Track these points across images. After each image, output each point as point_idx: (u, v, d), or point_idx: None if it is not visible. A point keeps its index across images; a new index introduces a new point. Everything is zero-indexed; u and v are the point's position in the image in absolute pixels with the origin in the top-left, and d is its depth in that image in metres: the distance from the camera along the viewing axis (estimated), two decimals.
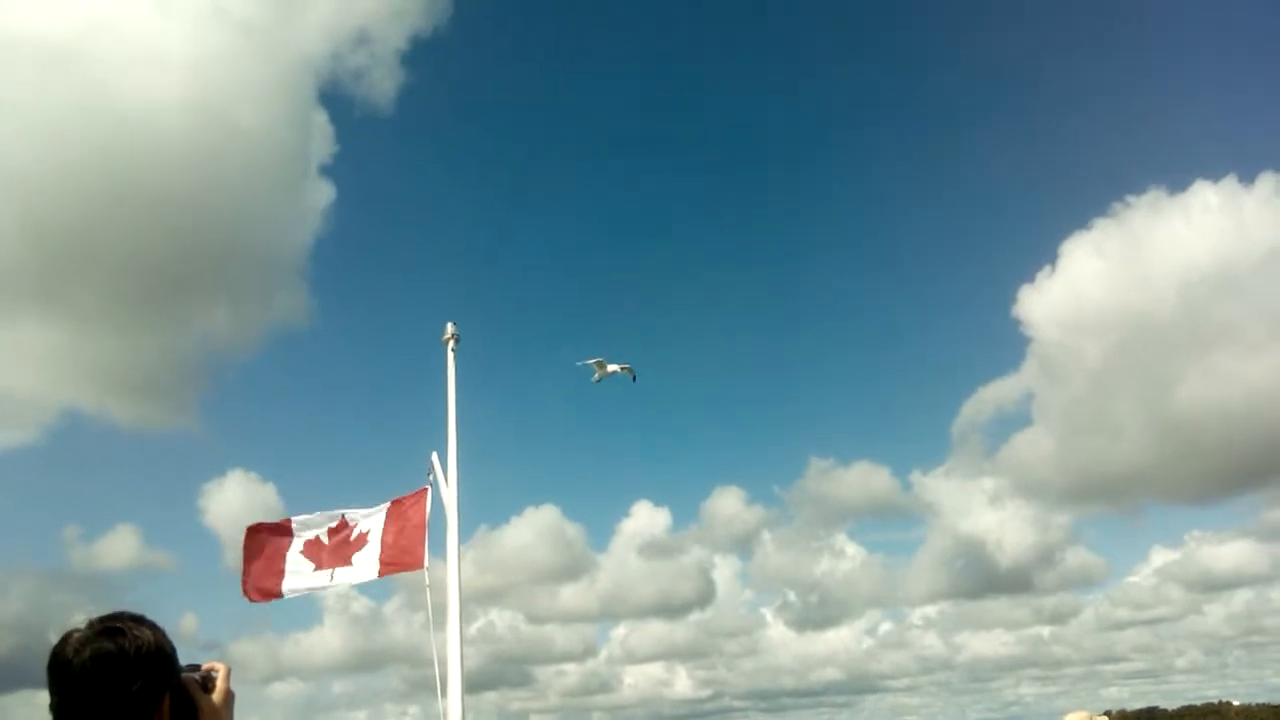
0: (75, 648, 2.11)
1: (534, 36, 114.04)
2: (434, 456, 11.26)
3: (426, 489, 11.29)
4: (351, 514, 11.39)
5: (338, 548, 11.18)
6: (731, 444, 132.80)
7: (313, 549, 11.16)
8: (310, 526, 11.24)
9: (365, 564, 11.09)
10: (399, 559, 11.05)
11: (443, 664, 10.08)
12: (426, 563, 11.01)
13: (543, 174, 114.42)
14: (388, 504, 11.41)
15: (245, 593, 10.88)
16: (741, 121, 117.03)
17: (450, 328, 11.94)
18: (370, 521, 11.27)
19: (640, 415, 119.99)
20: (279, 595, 10.87)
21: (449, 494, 10.95)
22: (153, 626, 2.22)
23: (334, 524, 11.30)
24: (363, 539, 11.17)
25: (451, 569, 10.61)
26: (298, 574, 10.95)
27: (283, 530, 11.16)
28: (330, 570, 11.16)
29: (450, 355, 11.85)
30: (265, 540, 11.06)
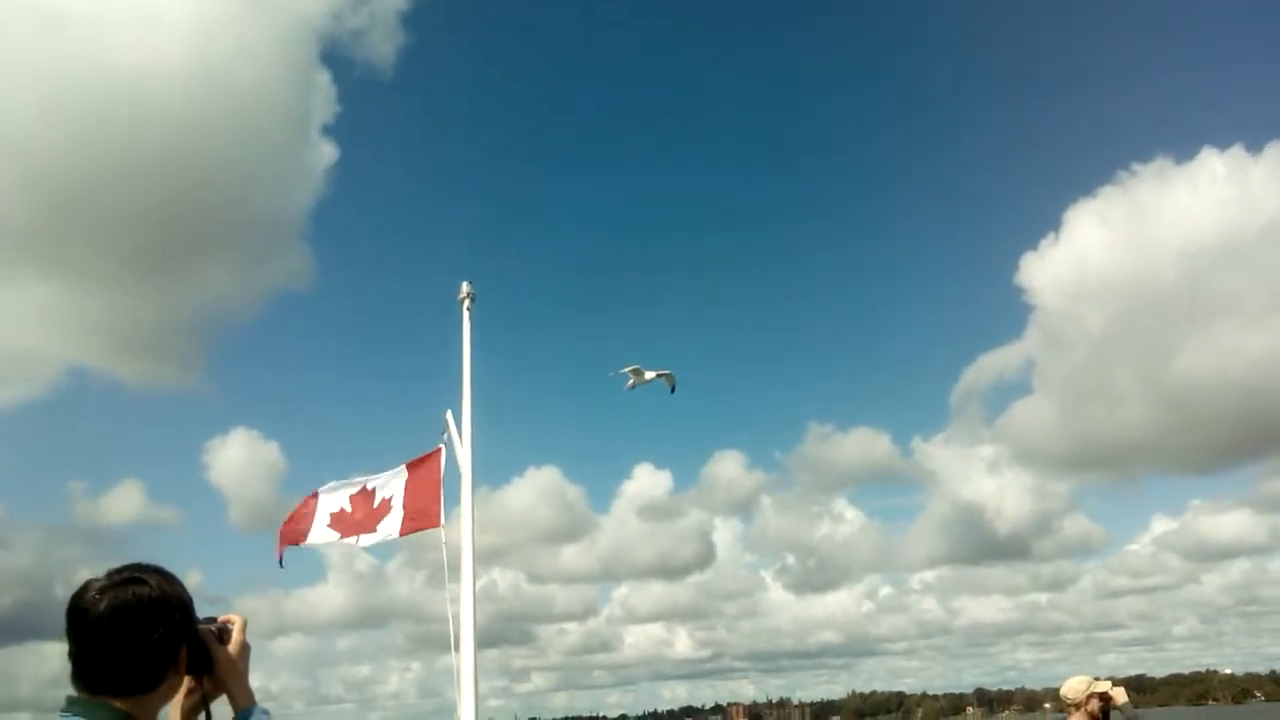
0: (95, 596, 2.11)
1: None
2: (448, 415, 11.30)
3: (441, 448, 11.36)
4: (372, 481, 11.51)
5: (363, 518, 11.33)
6: (732, 408, 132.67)
7: (338, 521, 11.35)
8: (335, 500, 11.43)
9: (388, 528, 11.24)
10: (418, 519, 11.19)
11: (455, 621, 10.19)
12: (443, 521, 11.12)
13: (543, 137, 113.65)
14: (403, 466, 11.49)
15: (278, 555, 11.01)
16: (745, 85, 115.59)
17: (466, 287, 11.89)
18: (391, 487, 11.38)
19: None
20: (299, 542, 11.07)
21: (464, 454, 11.01)
22: (170, 578, 2.23)
23: (355, 492, 11.44)
24: (386, 506, 11.30)
25: (465, 528, 10.68)
26: (322, 535, 11.20)
27: (309, 505, 11.38)
28: (355, 536, 11.35)
29: (466, 315, 11.84)
30: (296, 514, 11.34)
